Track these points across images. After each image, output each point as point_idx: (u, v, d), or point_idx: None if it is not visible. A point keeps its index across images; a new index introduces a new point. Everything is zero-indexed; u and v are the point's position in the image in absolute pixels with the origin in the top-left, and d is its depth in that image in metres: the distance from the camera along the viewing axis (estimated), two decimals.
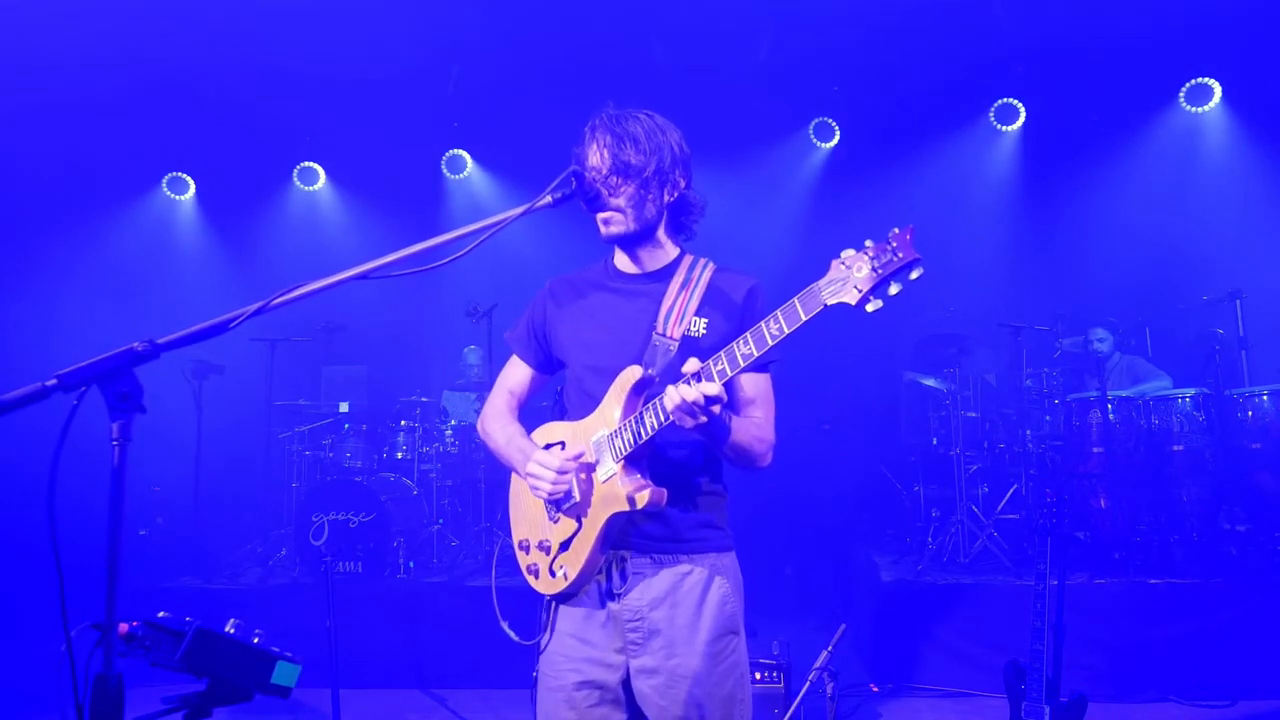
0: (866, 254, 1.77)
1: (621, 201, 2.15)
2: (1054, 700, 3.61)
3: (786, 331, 1.83)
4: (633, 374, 2.08)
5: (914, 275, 1.76)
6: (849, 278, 1.78)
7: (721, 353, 1.90)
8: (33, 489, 1.83)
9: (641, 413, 2.02)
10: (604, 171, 2.12)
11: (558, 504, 2.16)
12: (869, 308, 1.77)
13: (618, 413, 2.07)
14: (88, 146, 7.48)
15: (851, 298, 1.77)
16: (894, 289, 1.76)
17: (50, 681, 1.45)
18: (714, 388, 1.86)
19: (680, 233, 2.32)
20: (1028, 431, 6.52)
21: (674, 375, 1.96)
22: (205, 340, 1.64)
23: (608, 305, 2.27)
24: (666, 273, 2.25)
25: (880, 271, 1.75)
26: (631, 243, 2.23)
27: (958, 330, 7.00)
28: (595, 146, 2.15)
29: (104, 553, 1.42)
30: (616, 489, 2.04)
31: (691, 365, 1.90)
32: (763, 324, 1.85)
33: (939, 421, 7.05)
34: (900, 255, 1.74)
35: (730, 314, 2.19)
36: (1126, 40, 7.16)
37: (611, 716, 2.15)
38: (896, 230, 1.77)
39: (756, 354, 1.86)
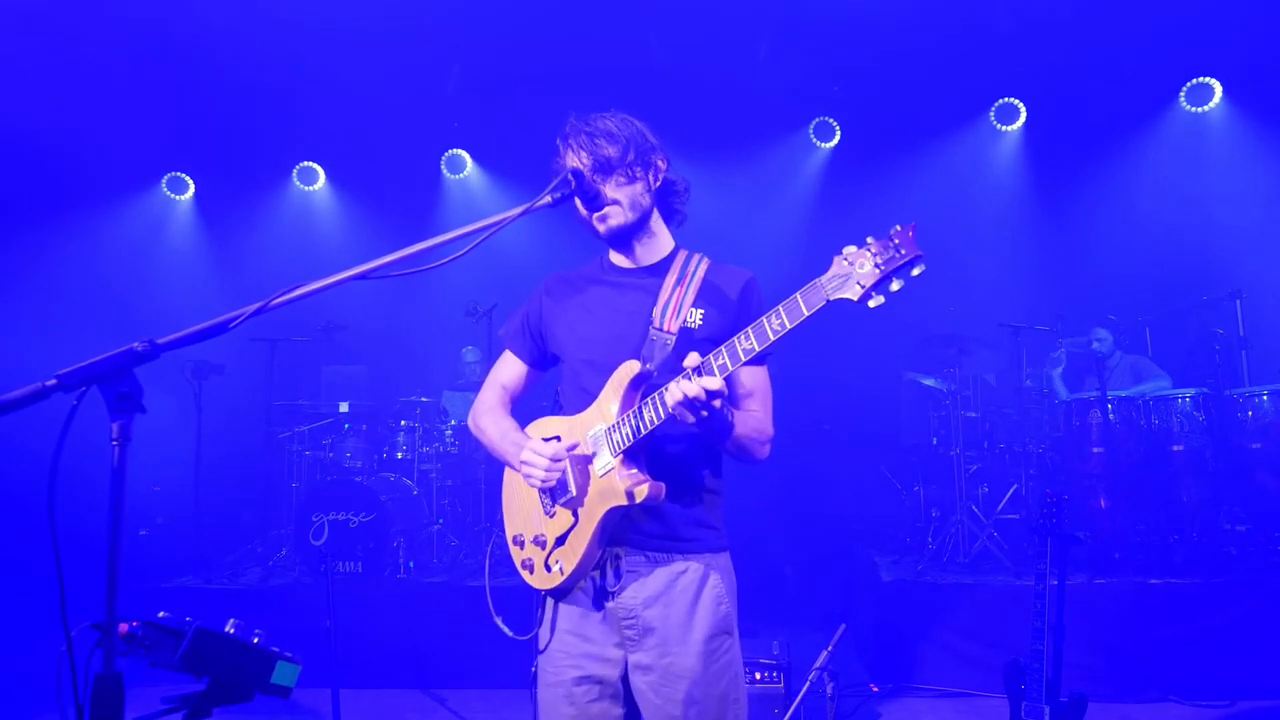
0: (869, 250, 1.77)
1: (613, 193, 2.16)
2: (1054, 700, 3.61)
3: (789, 326, 1.82)
4: (630, 369, 2.08)
5: (916, 272, 1.76)
6: (851, 274, 1.78)
7: (722, 347, 1.90)
8: (33, 489, 1.83)
9: (640, 407, 2.02)
10: (588, 172, 2.13)
11: (554, 497, 2.16)
12: (871, 303, 1.77)
13: (615, 407, 2.07)
14: (87, 146, 7.46)
15: (854, 294, 1.77)
16: (896, 285, 1.77)
17: (50, 681, 1.45)
18: (715, 382, 1.86)
19: (671, 218, 2.32)
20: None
21: (671, 369, 1.96)
22: (205, 340, 1.65)
23: (603, 299, 2.27)
24: (662, 267, 2.26)
25: (883, 268, 1.75)
26: (629, 235, 2.23)
27: (958, 330, 6.99)
28: (571, 152, 2.17)
29: (104, 553, 1.42)
30: (614, 483, 2.04)
31: (692, 359, 1.90)
32: (764, 319, 1.85)
33: (939, 421, 7.04)
34: (902, 252, 1.75)
35: (726, 307, 2.19)
36: (1126, 40, 7.15)
37: (610, 711, 2.16)
38: (899, 227, 1.77)
39: (758, 348, 1.86)
